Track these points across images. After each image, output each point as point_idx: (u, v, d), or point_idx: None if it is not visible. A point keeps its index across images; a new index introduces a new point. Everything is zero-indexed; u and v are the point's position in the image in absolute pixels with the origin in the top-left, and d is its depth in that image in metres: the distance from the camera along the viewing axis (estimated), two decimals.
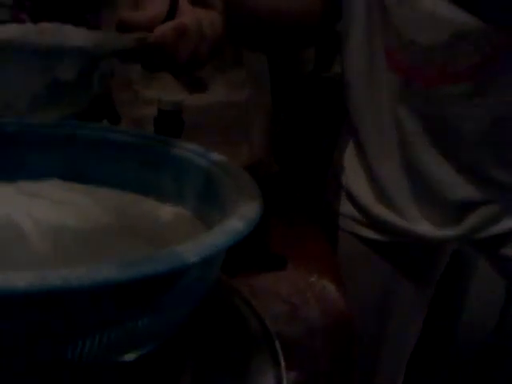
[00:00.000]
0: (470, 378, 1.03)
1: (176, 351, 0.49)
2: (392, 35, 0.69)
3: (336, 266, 0.73)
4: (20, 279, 0.27)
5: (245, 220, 0.39)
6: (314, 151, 1.26)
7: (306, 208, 0.86)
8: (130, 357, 0.40)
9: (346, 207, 0.83)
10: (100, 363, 0.38)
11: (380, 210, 0.79)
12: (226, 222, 0.38)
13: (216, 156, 0.52)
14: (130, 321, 0.36)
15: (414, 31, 0.67)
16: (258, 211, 0.41)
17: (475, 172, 0.74)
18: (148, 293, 0.35)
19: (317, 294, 0.67)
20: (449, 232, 0.78)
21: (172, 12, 0.44)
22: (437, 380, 1.07)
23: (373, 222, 0.81)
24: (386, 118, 0.74)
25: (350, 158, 0.82)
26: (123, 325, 0.36)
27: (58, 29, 0.40)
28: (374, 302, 0.84)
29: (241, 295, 0.61)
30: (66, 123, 0.55)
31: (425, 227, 0.78)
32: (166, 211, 0.52)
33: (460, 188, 0.75)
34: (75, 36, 0.39)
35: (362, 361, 0.66)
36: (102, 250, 0.45)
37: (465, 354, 0.93)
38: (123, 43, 0.42)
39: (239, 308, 0.59)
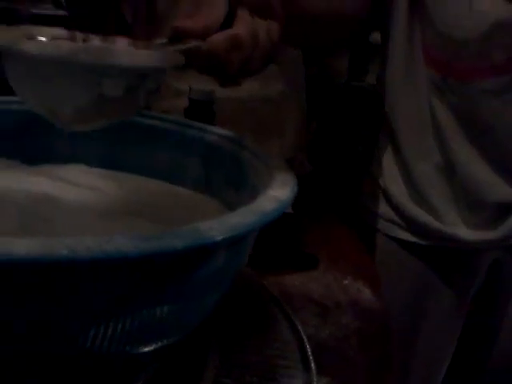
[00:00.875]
0: None
1: (200, 348, 0.47)
2: (429, 31, 0.70)
3: (372, 268, 0.69)
4: (21, 246, 0.24)
5: (274, 201, 0.36)
6: (349, 155, 1.24)
7: (340, 209, 0.82)
8: (147, 349, 0.37)
9: (382, 208, 0.81)
10: (116, 355, 0.35)
11: (416, 211, 0.77)
12: (254, 203, 0.35)
13: (248, 142, 0.49)
14: (148, 306, 0.33)
15: (451, 25, 0.67)
16: (290, 194, 0.38)
17: None
18: (168, 275, 0.32)
19: (351, 297, 0.63)
20: (486, 236, 0.75)
21: (229, 19, 0.42)
22: None
23: (409, 223, 0.79)
24: (424, 116, 0.73)
25: (387, 159, 0.80)
26: (140, 311, 0.33)
27: (106, 48, 0.41)
28: (408, 305, 0.81)
29: (271, 294, 0.58)
30: None
31: (461, 230, 0.75)
32: (194, 198, 0.49)
33: (498, 189, 0.73)
34: (123, 56, 0.40)
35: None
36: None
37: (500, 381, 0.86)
38: (171, 63, 0.42)
39: (269, 308, 0.56)
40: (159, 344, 0.37)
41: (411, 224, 0.78)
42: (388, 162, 0.80)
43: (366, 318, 0.60)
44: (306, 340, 0.51)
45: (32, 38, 0.39)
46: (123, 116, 0.42)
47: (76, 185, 0.49)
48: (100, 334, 0.33)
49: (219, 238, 0.30)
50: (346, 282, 0.65)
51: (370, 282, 0.66)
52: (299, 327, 0.53)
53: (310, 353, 0.49)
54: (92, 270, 0.27)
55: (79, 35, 0.41)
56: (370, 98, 0.91)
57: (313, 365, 0.48)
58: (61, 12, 0.94)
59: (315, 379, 0.46)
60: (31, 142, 0.50)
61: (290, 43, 0.71)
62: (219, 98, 0.70)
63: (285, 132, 0.81)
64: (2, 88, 0.42)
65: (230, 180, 0.48)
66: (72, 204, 0.46)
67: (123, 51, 0.41)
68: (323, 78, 1.44)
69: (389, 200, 0.80)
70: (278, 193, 0.38)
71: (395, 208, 0.79)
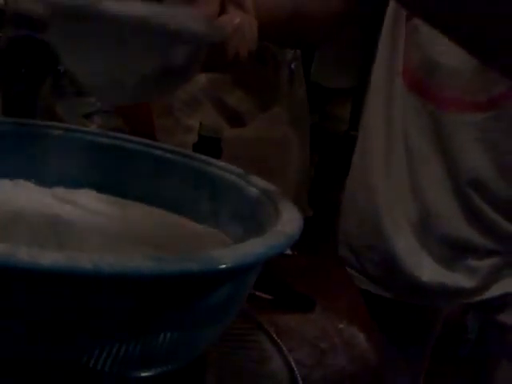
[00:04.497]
0: None
1: (195, 381, 0.47)
2: (415, 54, 0.69)
3: (366, 313, 0.70)
4: (47, 257, 0.25)
5: (282, 236, 0.37)
6: None
7: (338, 254, 0.83)
8: (147, 374, 0.37)
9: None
10: (117, 377, 0.35)
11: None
12: (263, 236, 0.36)
13: (255, 179, 0.50)
14: (156, 329, 0.34)
15: (442, 52, 0.67)
16: (297, 230, 0.39)
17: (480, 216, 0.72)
18: (179, 299, 0.33)
19: (345, 340, 0.63)
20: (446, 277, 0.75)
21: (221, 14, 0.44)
22: None
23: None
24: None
25: None
26: (149, 334, 0.34)
27: (180, 12, 0.38)
28: None
29: (267, 332, 0.58)
30: (108, 134, 0.54)
31: (423, 269, 0.75)
32: (199, 231, 0.50)
33: (457, 223, 0.73)
34: (193, 22, 0.38)
35: None
36: None
37: None
38: (223, 33, 0.42)
39: (264, 345, 0.56)
40: (160, 369, 0.38)
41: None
42: None
43: (360, 363, 0.60)
44: (300, 380, 0.51)
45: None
46: (174, 88, 0.39)
47: (86, 209, 0.50)
48: (104, 353, 0.33)
49: (231, 264, 0.31)
50: (342, 325, 0.66)
51: (365, 327, 0.66)
52: (294, 366, 0.53)
53: None
54: (111, 287, 0.28)
55: None
56: None
57: None
58: None
59: None
60: (47, 164, 0.51)
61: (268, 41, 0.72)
62: (226, 138, 0.72)
63: (287, 174, 0.83)
64: None
65: (236, 214, 0.49)
66: (81, 227, 0.46)
67: (188, 16, 0.39)
68: (324, 126, 1.47)
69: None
70: (286, 228, 0.39)
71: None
